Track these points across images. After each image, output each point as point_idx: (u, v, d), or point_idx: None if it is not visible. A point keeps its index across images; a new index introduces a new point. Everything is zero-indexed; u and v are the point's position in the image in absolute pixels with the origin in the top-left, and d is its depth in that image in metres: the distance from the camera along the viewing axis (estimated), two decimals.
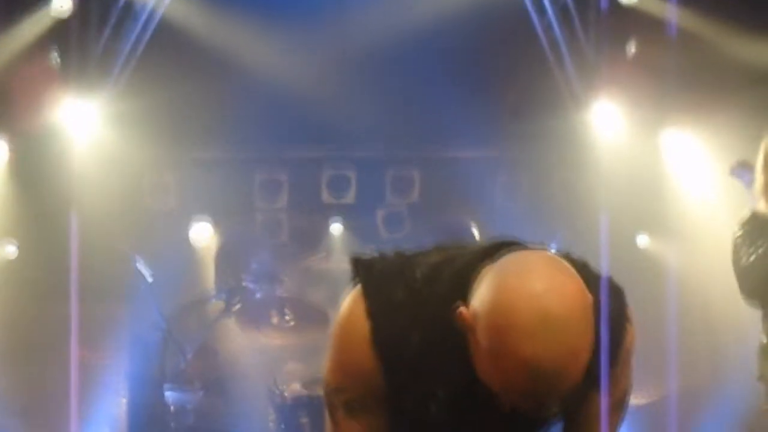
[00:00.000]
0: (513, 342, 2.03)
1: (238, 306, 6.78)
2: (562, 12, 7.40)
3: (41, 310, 8.01)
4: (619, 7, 7.27)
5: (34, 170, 7.76)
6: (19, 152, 7.74)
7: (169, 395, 6.79)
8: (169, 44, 7.69)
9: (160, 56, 7.70)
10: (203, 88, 7.78)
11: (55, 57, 7.29)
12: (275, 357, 7.12)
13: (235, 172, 8.35)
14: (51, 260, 7.80)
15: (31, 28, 7.15)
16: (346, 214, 8.36)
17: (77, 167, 7.69)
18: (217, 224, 8.28)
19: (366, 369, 2.32)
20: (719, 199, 7.41)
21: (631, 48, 7.38)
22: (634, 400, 8.05)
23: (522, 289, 2.04)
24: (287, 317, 6.81)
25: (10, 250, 7.97)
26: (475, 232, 8.15)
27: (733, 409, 7.35)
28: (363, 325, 2.31)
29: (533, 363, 2.02)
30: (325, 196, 8.39)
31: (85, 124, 7.64)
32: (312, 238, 8.35)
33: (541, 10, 7.46)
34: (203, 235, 8.29)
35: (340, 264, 7.92)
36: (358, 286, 2.35)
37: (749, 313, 7.18)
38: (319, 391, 6.12)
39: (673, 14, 7.10)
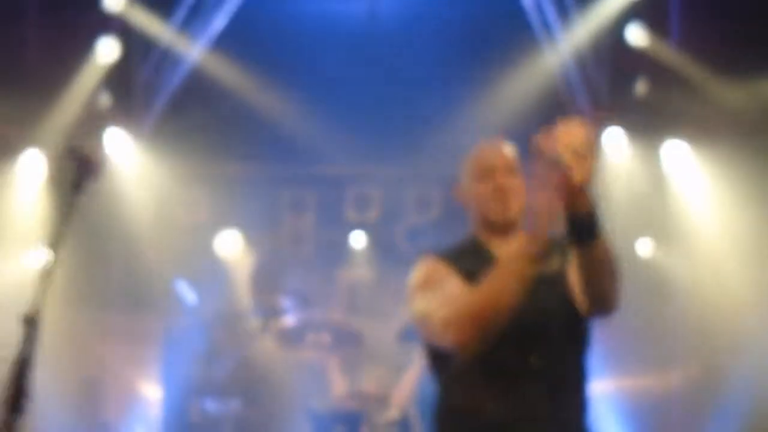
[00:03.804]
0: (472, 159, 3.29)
1: (275, 325, 7.05)
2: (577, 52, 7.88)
3: (81, 319, 8.40)
4: (629, 49, 7.76)
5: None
6: (60, 171, 8.13)
7: (208, 405, 7.00)
8: (203, 77, 8.10)
9: (195, 85, 8.12)
10: (233, 115, 8.20)
11: (105, 98, 7.75)
12: (312, 371, 7.38)
13: (263, 189, 8.64)
14: (91, 271, 8.19)
15: (84, 78, 7.66)
16: (370, 229, 8.68)
17: (116, 185, 8.12)
18: (247, 238, 8.59)
19: None
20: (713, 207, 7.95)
21: (640, 87, 7.81)
22: (640, 393, 8.42)
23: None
24: (324, 338, 7.01)
25: (49, 261, 8.32)
26: None
27: (728, 403, 7.83)
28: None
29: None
30: (350, 214, 8.68)
31: (125, 150, 8.13)
32: (337, 253, 8.64)
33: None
34: (234, 246, 8.59)
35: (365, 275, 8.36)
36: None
37: (742, 311, 7.64)
38: (354, 406, 6.46)
39: (676, 60, 7.62)
